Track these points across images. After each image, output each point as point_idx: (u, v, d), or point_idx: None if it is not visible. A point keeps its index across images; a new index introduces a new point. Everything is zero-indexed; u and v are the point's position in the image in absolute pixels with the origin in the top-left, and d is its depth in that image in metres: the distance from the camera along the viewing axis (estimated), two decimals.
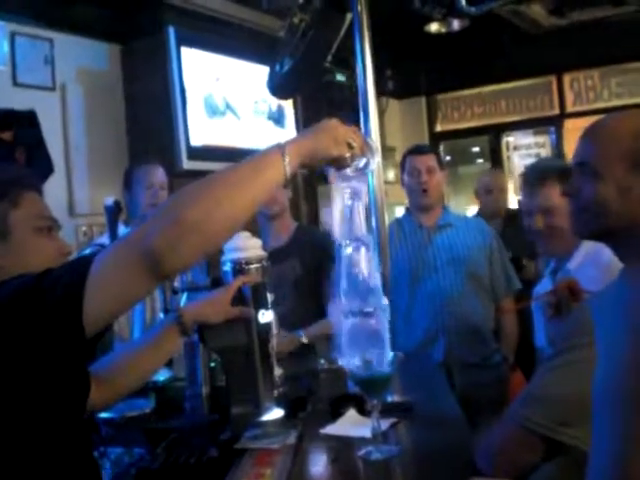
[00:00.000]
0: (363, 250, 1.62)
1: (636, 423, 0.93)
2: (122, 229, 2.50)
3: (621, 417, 0.94)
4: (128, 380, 1.78)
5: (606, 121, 1.52)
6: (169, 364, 2.39)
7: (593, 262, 2.23)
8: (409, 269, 3.45)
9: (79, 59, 4.51)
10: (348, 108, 6.14)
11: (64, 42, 4.38)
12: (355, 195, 1.60)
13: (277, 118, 5.43)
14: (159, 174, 3.42)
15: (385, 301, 1.65)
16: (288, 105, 5.44)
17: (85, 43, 4.55)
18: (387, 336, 1.65)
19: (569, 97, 7.25)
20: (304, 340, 2.86)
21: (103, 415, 1.99)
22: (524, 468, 1.47)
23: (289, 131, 5.48)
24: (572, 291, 1.89)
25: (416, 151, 3.65)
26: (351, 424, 1.91)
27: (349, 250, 1.62)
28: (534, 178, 2.51)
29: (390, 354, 1.67)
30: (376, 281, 1.64)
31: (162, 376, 2.35)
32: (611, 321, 1.19)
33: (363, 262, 1.62)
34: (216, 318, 1.87)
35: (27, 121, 3.95)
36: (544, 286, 2.57)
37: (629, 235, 1.40)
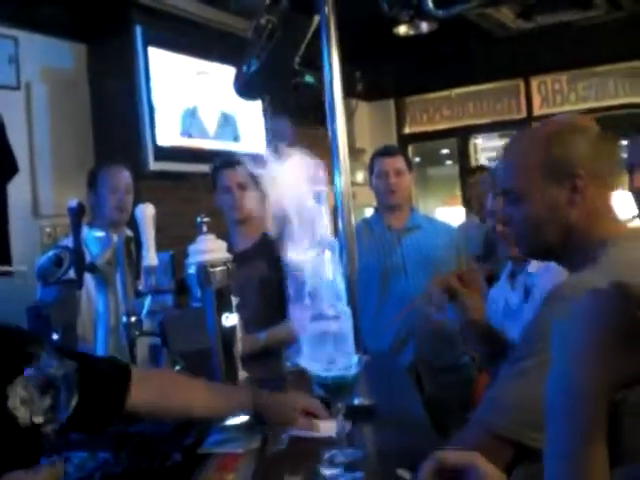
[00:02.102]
0: (327, 253, 1.62)
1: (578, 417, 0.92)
2: (85, 231, 2.47)
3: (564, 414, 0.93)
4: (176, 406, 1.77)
5: (518, 139, 1.57)
6: None
7: (554, 266, 2.25)
8: (378, 272, 3.45)
9: (44, 58, 4.44)
10: (316, 110, 6.15)
11: (29, 41, 4.31)
12: (319, 198, 1.60)
13: (246, 119, 5.40)
14: (125, 177, 3.40)
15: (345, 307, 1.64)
16: (256, 107, 5.42)
17: (50, 42, 4.48)
18: (352, 339, 1.64)
19: (536, 100, 7.31)
20: (264, 344, 2.86)
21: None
22: None
23: (256, 133, 5.46)
24: (463, 282, 1.87)
25: (384, 153, 3.66)
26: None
27: (313, 253, 1.61)
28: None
29: (355, 357, 1.66)
30: (340, 284, 1.63)
31: None
32: None
33: (327, 265, 1.61)
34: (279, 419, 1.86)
35: None
36: (501, 289, 2.58)
37: (568, 245, 1.42)
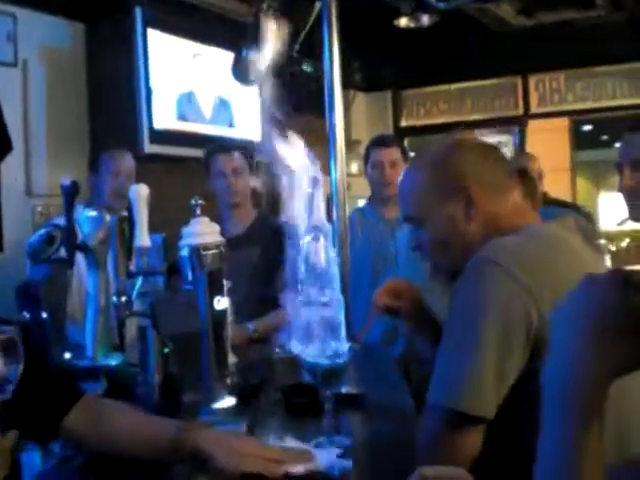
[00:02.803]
0: (322, 239, 1.62)
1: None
2: (81, 211, 2.45)
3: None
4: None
5: (407, 170, 1.66)
6: (121, 349, 2.37)
7: None
8: (370, 263, 3.45)
9: (43, 36, 4.41)
10: (314, 99, 6.14)
11: (28, 18, 4.28)
12: (315, 184, 1.59)
13: (242, 105, 5.38)
14: (128, 162, 3.39)
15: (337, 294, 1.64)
16: (253, 93, 5.40)
17: (49, 20, 4.44)
18: (343, 327, 1.64)
19: (534, 98, 7.31)
20: (253, 334, 2.86)
21: None
22: (467, 455, 1.36)
23: (251, 120, 5.45)
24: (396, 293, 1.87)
25: (380, 143, 3.64)
26: None
27: (307, 239, 1.61)
28: None
29: (345, 345, 1.66)
30: (333, 271, 1.63)
31: (114, 361, 2.32)
32: None
33: (321, 251, 1.61)
34: (223, 460, 1.44)
35: None
36: None
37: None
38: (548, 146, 7.19)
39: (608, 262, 2.91)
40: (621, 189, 2.11)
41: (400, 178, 1.66)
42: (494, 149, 1.64)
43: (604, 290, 0.90)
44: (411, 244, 1.64)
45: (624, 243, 7.18)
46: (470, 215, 1.50)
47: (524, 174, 2.64)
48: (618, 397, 0.93)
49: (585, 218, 3.73)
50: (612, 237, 6.99)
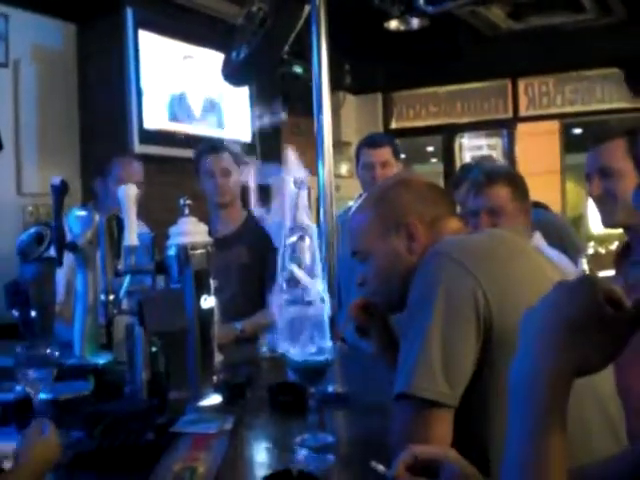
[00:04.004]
0: (307, 239, 1.64)
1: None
2: (76, 213, 2.44)
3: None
4: None
5: (356, 209, 1.72)
6: (109, 347, 2.38)
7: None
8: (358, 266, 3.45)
9: (34, 36, 4.43)
10: (303, 100, 6.16)
11: (19, 18, 4.30)
12: (300, 184, 1.62)
13: (232, 106, 5.41)
14: (136, 170, 3.37)
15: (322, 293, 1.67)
16: (243, 94, 5.43)
17: (41, 20, 4.46)
18: (327, 325, 1.66)
19: (523, 101, 7.35)
20: (240, 333, 2.88)
21: (40, 396, 1.97)
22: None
23: (241, 120, 5.47)
24: (367, 309, 1.85)
25: (370, 144, 3.57)
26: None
27: (293, 239, 1.64)
28: (483, 178, 2.57)
29: (330, 343, 1.68)
30: (318, 271, 1.66)
31: (102, 359, 2.33)
32: None
33: (306, 251, 1.63)
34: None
35: None
36: None
37: None
38: (538, 149, 7.24)
39: (584, 264, 2.95)
40: (592, 197, 2.19)
41: (349, 218, 1.74)
42: (435, 186, 1.73)
43: (574, 292, 0.94)
44: (357, 280, 1.70)
45: (613, 246, 7.22)
46: (412, 250, 1.58)
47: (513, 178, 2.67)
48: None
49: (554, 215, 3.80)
50: (601, 240, 7.03)
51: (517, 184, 2.60)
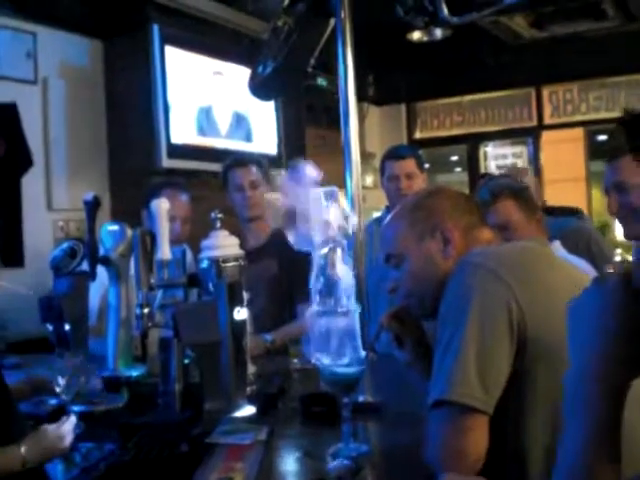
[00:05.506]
0: (338, 251, 1.66)
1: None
2: (108, 227, 2.47)
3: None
4: None
5: (391, 217, 1.73)
6: (144, 360, 2.41)
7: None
8: (389, 274, 3.45)
9: (62, 54, 4.50)
10: (328, 113, 6.19)
11: (47, 36, 4.37)
12: (330, 197, 1.64)
13: (259, 120, 5.45)
14: (184, 206, 3.25)
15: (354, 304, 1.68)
16: (269, 108, 5.46)
17: (68, 38, 4.54)
18: (359, 336, 1.68)
19: (547, 109, 7.34)
20: (269, 345, 2.90)
21: (75, 408, 2.00)
22: (472, 453, 1.37)
23: (269, 133, 5.51)
24: (401, 319, 1.83)
25: (395, 156, 3.58)
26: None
27: (324, 251, 1.65)
28: (488, 197, 2.56)
29: (362, 353, 1.70)
30: (350, 282, 1.67)
31: (135, 371, 2.36)
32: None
33: (337, 263, 1.65)
34: None
35: (8, 113, 3.93)
36: None
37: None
38: (563, 156, 7.21)
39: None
40: (610, 214, 2.24)
41: (383, 226, 1.76)
42: (468, 196, 1.79)
43: (609, 295, 0.95)
44: (389, 286, 1.71)
45: None
46: (447, 254, 1.60)
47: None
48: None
49: (585, 222, 3.76)
50: (628, 247, 6.98)
51: (521, 195, 2.58)
